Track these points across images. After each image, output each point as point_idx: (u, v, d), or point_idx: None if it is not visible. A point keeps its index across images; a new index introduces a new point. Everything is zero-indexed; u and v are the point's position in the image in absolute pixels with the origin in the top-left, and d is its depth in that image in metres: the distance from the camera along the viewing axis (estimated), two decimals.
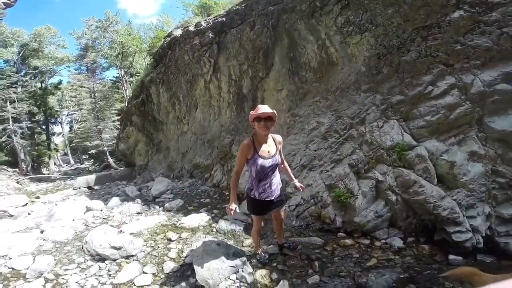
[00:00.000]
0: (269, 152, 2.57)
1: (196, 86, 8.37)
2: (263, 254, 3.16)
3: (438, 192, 3.19)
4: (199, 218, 4.50)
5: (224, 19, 7.23)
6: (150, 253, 3.58)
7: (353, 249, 3.36)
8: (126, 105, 16.89)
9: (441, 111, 3.43)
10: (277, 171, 2.73)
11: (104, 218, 5.29)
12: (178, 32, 8.95)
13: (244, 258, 3.07)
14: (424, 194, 3.23)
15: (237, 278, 2.85)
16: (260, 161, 2.51)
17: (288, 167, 2.96)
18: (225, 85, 7.40)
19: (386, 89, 4.02)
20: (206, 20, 8.22)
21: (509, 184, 3.01)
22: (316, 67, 5.24)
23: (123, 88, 24.96)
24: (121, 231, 4.26)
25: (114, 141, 19.71)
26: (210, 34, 7.42)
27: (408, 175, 3.40)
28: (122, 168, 16.20)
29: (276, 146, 2.66)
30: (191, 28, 8.23)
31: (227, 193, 6.17)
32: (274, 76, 6.16)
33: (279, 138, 2.73)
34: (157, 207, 5.80)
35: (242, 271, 2.91)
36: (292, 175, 2.97)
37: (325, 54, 5.09)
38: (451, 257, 3.06)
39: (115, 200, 6.68)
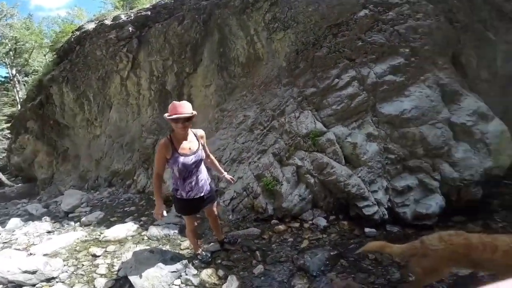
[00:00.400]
0: (190, 148, 2.49)
1: (110, 83, 7.51)
2: (204, 253, 3.10)
3: (346, 171, 3.67)
4: (126, 228, 4.13)
5: (148, 12, 6.76)
6: (75, 272, 3.17)
7: (286, 234, 3.56)
8: (19, 109, 13.97)
9: (344, 100, 3.96)
10: (202, 166, 2.67)
11: (4, 243, 4.37)
12: (90, 26, 7.94)
13: (185, 261, 2.97)
14: (335, 174, 3.66)
15: (182, 282, 2.75)
16: (182, 159, 2.42)
17: (215, 161, 2.92)
18: (146, 82, 6.88)
19: (302, 83, 4.41)
20: (127, 13, 7.49)
21: (397, 160, 3.64)
22: (244, 62, 5.33)
23: (15, 90, 20.74)
24: (30, 253, 3.63)
25: (4, 154, 16.12)
26: (130, 28, 6.80)
27: (321, 158, 3.80)
28: (20, 184, 13.40)
29: (198, 141, 2.58)
30: (108, 22, 7.39)
31: (154, 198, 5.81)
32: (202, 72, 6.03)
33: (200, 132, 2.66)
34: (71, 223, 5.06)
35: (186, 274, 2.82)
36: (221, 168, 2.94)
37: (253, 50, 5.23)
38: (366, 230, 3.48)
39: (15, 221, 5.55)
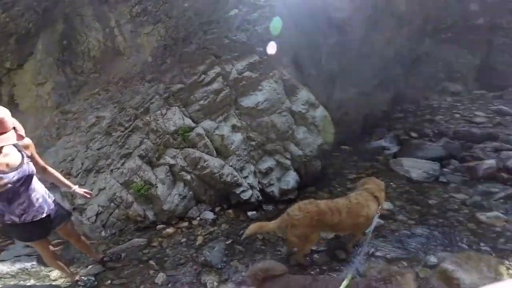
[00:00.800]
0: (8, 164, 1.91)
1: None
2: (85, 278, 2.65)
3: (219, 162, 3.81)
4: None
5: None
6: None
7: (177, 235, 3.41)
8: None
9: (210, 95, 4.04)
10: (35, 183, 2.11)
11: None
12: None
13: None
14: (209, 167, 3.73)
15: None
16: None
17: (57, 174, 2.38)
18: None
19: (168, 79, 4.16)
20: None
21: (258, 145, 4.10)
22: (98, 56, 4.65)
23: None
24: None
25: None
26: None
27: (193, 153, 3.77)
28: None
29: (21, 153, 2.02)
30: None
31: None
32: (32, 67, 4.69)
33: (25, 141, 2.07)
34: None
35: None
36: (67, 182, 2.42)
37: (111, 43, 4.64)
38: (249, 213, 3.74)
39: None
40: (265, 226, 2.72)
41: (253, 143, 4.06)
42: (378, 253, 2.98)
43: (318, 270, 2.78)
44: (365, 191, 2.87)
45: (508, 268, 2.65)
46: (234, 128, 4.00)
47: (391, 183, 4.35)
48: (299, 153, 4.24)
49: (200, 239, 3.33)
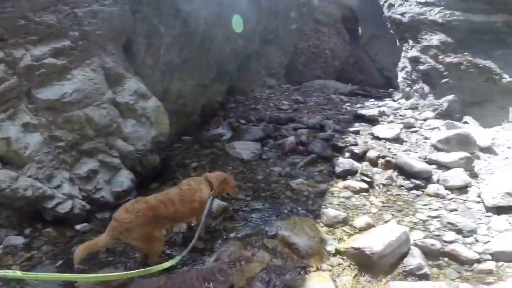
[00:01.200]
0: None
1: None
2: None
3: (7, 174, 2.85)
4: None
5: None
6: None
7: None
8: None
9: None
10: None
11: None
12: None
13: None
14: None
15: None
16: None
17: None
18: None
19: None
20: None
21: (69, 146, 3.38)
22: None
23: None
24: None
25: None
26: None
27: None
28: None
29: None
30: None
31: None
32: None
33: None
34: None
35: None
36: None
37: None
38: (78, 226, 3.15)
39: None
40: (96, 244, 2.32)
41: (62, 143, 3.33)
42: (231, 235, 3.09)
43: (179, 266, 2.65)
44: (198, 177, 2.95)
45: (322, 227, 3.28)
46: (28, 127, 3.08)
47: (229, 166, 4.75)
48: (130, 148, 3.85)
49: (16, 269, 2.46)
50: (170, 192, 2.78)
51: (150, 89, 4.52)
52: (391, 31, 8.58)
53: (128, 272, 2.12)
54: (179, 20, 5.41)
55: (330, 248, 2.98)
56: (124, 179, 3.74)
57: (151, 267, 2.07)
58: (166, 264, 2.10)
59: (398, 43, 8.42)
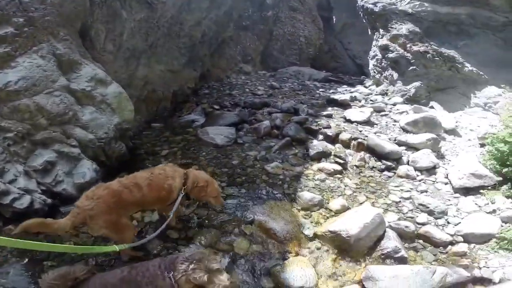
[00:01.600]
0: None
1: None
2: None
3: None
4: None
5: None
6: None
7: None
8: None
9: None
10: None
11: None
12: None
13: None
14: None
15: None
16: None
17: None
18: None
19: None
20: None
21: (20, 137, 3.01)
22: None
23: None
24: None
25: None
26: None
27: None
28: None
29: None
30: None
31: None
32: None
33: None
34: None
35: None
36: None
37: None
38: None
39: None
40: (52, 225, 2.06)
41: (10, 134, 2.94)
42: (207, 222, 2.94)
43: (152, 256, 2.46)
44: (180, 168, 2.70)
45: (298, 210, 3.17)
46: None
47: (203, 152, 4.48)
48: (90, 137, 3.48)
49: None
50: (139, 176, 2.50)
51: (112, 75, 4.16)
52: (364, 20, 8.61)
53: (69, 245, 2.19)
54: (144, 4, 4.97)
55: (308, 232, 2.90)
56: (86, 169, 3.37)
57: (92, 247, 2.08)
58: (109, 248, 2.03)
59: (370, 32, 8.47)
